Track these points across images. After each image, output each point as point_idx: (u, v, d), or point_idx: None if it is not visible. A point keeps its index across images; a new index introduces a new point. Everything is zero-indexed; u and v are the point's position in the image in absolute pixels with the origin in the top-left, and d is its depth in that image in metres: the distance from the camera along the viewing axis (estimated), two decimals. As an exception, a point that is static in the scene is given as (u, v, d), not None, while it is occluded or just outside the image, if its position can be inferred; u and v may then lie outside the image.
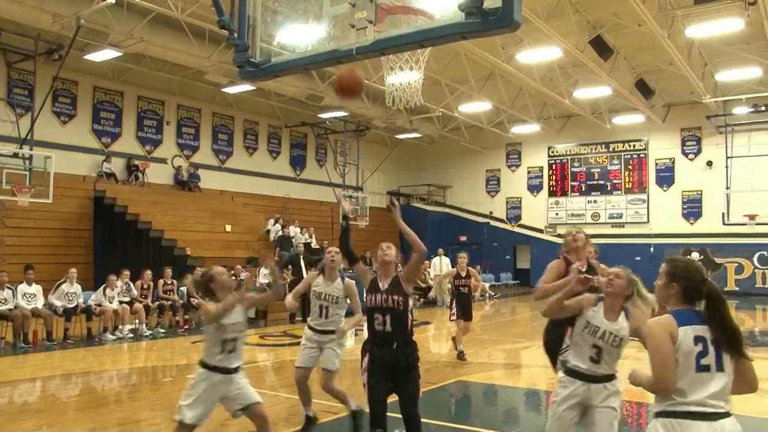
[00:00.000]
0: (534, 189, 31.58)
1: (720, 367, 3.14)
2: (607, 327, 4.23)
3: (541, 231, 30.93)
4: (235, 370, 5.12)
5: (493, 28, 3.93)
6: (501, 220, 32.33)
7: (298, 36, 5.07)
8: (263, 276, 17.56)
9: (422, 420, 6.65)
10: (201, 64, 19.48)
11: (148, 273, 14.67)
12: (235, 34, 5.13)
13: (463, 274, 11.16)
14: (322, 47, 4.82)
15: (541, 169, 31.42)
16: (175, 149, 23.57)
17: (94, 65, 19.53)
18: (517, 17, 3.81)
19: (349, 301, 6.56)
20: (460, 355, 10.74)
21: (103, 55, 18.12)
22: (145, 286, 14.50)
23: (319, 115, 26.14)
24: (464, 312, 10.97)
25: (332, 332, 6.42)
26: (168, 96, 23.21)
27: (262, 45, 5.02)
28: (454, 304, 11.15)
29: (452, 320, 11.19)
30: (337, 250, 6.38)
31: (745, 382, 3.26)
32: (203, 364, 5.01)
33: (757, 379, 3.26)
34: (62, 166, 17.96)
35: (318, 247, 21.45)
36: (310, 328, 6.47)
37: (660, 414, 3.14)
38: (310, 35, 4.92)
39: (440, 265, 22.65)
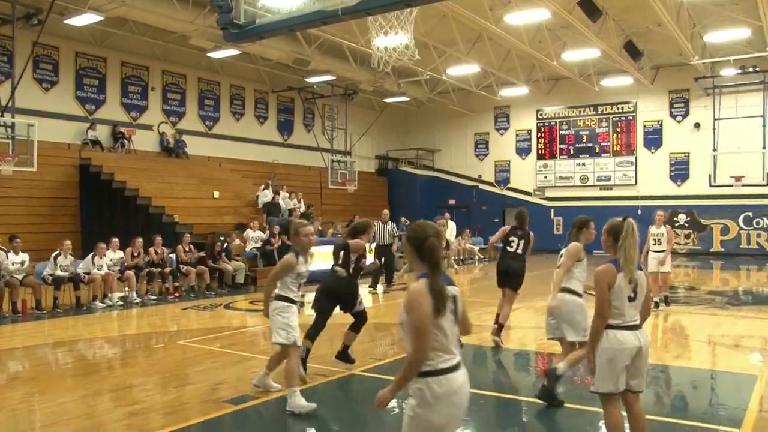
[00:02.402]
0: (522, 152, 31.58)
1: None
2: None
3: (529, 194, 31.02)
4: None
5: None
6: (490, 183, 32.36)
7: (283, -1, 5.03)
8: (253, 241, 17.60)
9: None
10: (185, 29, 19.20)
11: (139, 240, 14.62)
12: (219, -3, 5.06)
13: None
14: (307, 8, 4.76)
15: (529, 132, 31.39)
16: (160, 115, 23.34)
17: (75, 30, 19.22)
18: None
19: None
20: None
21: (84, 19, 17.79)
22: (136, 254, 14.47)
23: (306, 80, 25.90)
24: None
25: None
26: (152, 61, 22.90)
27: (246, 7, 4.95)
28: None
29: None
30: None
31: None
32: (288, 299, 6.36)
33: None
34: (46, 134, 17.75)
35: (308, 212, 21.45)
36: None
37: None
38: (295, -3, 4.87)
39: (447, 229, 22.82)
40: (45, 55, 19.79)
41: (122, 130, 21.60)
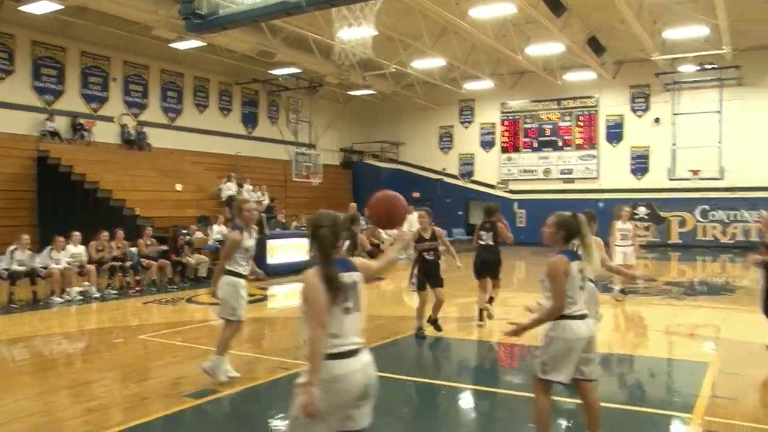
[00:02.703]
0: (486, 145, 31.75)
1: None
2: None
3: (493, 187, 31.21)
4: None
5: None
6: (454, 177, 32.48)
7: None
8: (217, 234, 17.41)
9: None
10: (148, 19, 18.85)
11: (105, 234, 14.40)
12: (179, -14, 4.97)
13: (427, 236, 9.17)
14: None
15: (493, 125, 31.56)
16: (122, 107, 22.93)
17: (32, 18, 18.69)
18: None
19: None
20: (419, 331, 9.08)
21: (42, 6, 17.30)
22: (101, 248, 14.23)
23: (271, 72, 25.69)
24: (430, 280, 9.04)
25: None
26: (114, 52, 22.47)
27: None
28: (414, 272, 10.27)
29: (412, 290, 10.57)
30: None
31: None
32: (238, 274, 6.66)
33: None
34: (1, 124, 17.34)
35: (271, 204, 21.30)
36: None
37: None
38: (257, -12, 4.80)
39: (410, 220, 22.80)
40: (0, 43, 19.30)
41: (82, 121, 21.17)
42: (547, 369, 4.45)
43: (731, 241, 26.09)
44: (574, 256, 4.54)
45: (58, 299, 12.84)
